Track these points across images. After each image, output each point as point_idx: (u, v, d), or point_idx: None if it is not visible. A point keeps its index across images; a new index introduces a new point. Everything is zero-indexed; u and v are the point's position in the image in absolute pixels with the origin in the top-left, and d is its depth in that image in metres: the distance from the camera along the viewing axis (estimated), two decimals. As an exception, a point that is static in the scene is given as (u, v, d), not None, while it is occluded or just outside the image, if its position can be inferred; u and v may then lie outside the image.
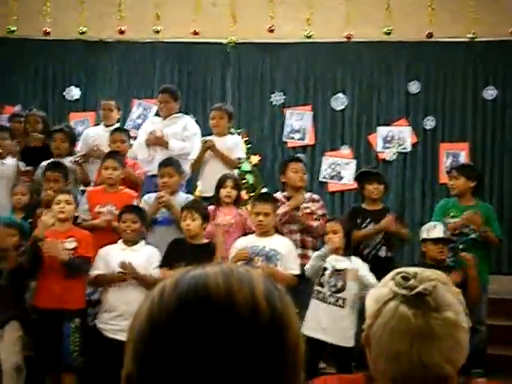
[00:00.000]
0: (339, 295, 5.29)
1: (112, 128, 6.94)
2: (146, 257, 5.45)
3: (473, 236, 5.84)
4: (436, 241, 5.36)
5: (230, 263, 1.00)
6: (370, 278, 5.18)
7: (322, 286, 5.34)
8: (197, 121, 7.36)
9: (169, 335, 0.89)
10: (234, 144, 6.78)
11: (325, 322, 5.27)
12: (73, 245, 5.39)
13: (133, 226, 5.47)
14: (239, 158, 6.89)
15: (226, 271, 0.94)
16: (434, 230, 5.43)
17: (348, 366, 5.22)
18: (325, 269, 5.35)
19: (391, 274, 1.54)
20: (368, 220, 5.94)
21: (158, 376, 0.89)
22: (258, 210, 5.49)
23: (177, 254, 5.36)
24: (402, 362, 1.43)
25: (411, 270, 1.52)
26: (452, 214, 5.94)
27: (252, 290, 0.92)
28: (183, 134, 6.87)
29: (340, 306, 5.29)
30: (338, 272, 5.33)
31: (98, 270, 5.43)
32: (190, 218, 5.44)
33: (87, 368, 5.33)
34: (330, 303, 5.31)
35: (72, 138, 6.82)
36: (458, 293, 1.51)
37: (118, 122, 7.39)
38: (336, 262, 5.37)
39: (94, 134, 7.17)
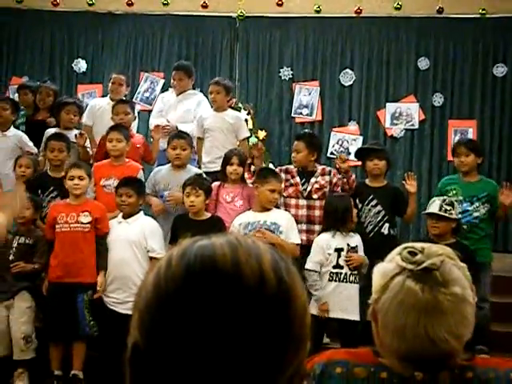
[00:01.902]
0: (356, 272, 5.36)
1: None
2: (140, 229, 5.46)
3: (476, 215, 5.81)
4: (430, 215, 5.40)
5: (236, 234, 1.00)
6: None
7: (340, 267, 5.37)
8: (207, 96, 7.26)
9: (175, 304, 0.89)
10: (237, 125, 6.67)
11: (347, 301, 5.33)
12: (88, 219, 5.42)
13: (127, 200, 5.49)
14: (244, 139, 6.78)
15: (232, 241, 0.94)
16: (432, 204, 5.46)
17: (353, 342, 5.25)
18: (340, 249, 5.37)
19: (398, 249, 1.54)
20: (371, 197, 5.91)
21: (165, 345, 0.89)
22: (275, 187, 5.50)
23: (182, 229, 5.38)
24: (408, 336, 1.44)
25: (418, 245, 1.52)
26: (454, 191, 5.91)
27: (259, 261, 0.92)
28: (196, 109, 6.84)
29: (357, 282, 5.37)
30: (353, 249, 5.37)
31: None
32: (194, 195, 5.46)
33: (94, 339, 5.39)
34: (351, 282, 5.37)
35: (81, 112, 6.82)
36: (464, 267, 1.51)
37: (124, 97, 7.33)
38: (349, 239, 5.41)
39: (99, 105, 7.11)
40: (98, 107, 7.05)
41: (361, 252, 5.39)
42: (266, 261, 0.92)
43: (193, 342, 0.87)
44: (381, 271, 1.51)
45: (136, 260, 5.33)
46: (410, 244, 1.54)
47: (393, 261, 1.51)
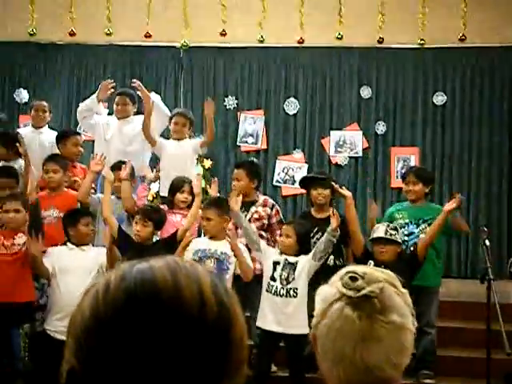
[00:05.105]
0: (289, 286, 5.37)
1: (41, 129, 6.96)
2: (93, 255, 5.44)
3: (422, 236, 5.83)
4: (377, 240, 5.46)
5: (175, 257, 0.99)
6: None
7: (274, 279, 5.40)
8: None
9: (115, 329, 0.87)
10: (195, 143, 6.82)
11: (279, 314, 5.34)
12: (23, 239, 5.32)
13: (93, 230, 5.58)
14: (200, 156, 6.88)
15: (172, 265, 0.93)
16: (376, 230, 5.53)
17: (300, 369, 5.23)
18: (277, 263, 5.40)
19: (341, 272, 1.52)
20: (316, 229, 5.85)
21: (104, 370, 0.87)
22: (201, 214, 5.56)
23: (122, 247, 5.35)
24: (345, 364, 1.42)
25: (361, 269, 1.50)
26: (401, 215, 5.99)
27: (199, 286, 0.91)
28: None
29: (293, 296, 5.36)
30: (290, 264, 5.39)
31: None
32: (142, 224, 5.41)
33: (34, 374, 5.25)
34: (282, 295, 5.37)
35: (7, 142, 6.61)
36: (405, 294, 1.51)
37: (47, 124, 7.28)
38: (291, 257, 5.44)
39: (24, 135, 6.88)
40: (22, 136, 6.94)
41: (300, 271, 5.38)
42: (206, 285, 0.92)
43: (132, 366, 0.86)
44: (322, 295, 1.50)
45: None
46: (352, 268, 1.52)
47: (334, 285, 1.49)
